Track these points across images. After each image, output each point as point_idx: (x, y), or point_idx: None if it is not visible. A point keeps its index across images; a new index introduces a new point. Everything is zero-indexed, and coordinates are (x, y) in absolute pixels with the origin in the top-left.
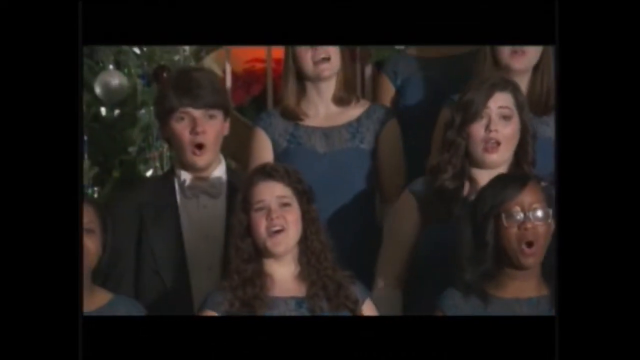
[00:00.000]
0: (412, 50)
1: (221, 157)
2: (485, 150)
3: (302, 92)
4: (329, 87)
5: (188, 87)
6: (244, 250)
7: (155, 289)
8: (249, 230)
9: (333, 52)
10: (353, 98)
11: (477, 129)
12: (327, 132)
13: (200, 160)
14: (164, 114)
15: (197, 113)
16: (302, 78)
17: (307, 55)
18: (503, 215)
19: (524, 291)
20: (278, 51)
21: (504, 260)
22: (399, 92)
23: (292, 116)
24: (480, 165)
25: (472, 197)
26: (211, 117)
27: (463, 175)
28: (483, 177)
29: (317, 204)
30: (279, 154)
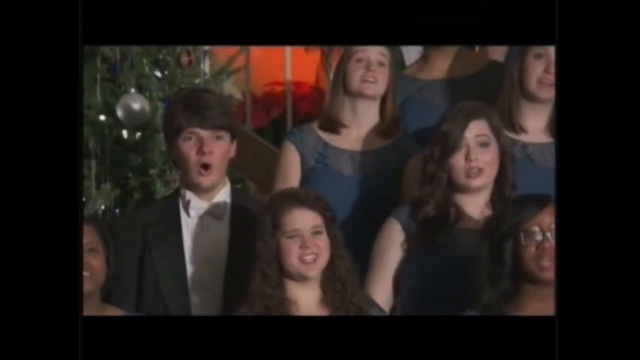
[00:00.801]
0: (411, 71)
1: (226, 179)
2: (468, 176)
3: (343, 107)
4: (367, 111)
5: (196, 108)
6: (270, 276)
7: (156, 308)
8: (277, 255)
9: (382, 78)
10: (394, 132)
11: (457, 160)
12: (354, 156)
13: (206, 180)
14: (172, 134)
15: (204, 133)
16: (345, 93)
17: (358, 72)
18: (522, 235)
19: (542, 312)
20: (297, 74)
21: (521, 277)
22: (398, 113)
23: (332, 127)
24: (465, 190)
25: (459, 225)
26: (218, 137)
27: (447, 204)
28: (468, 202)
29: (338, 226)
30: (305, 172)
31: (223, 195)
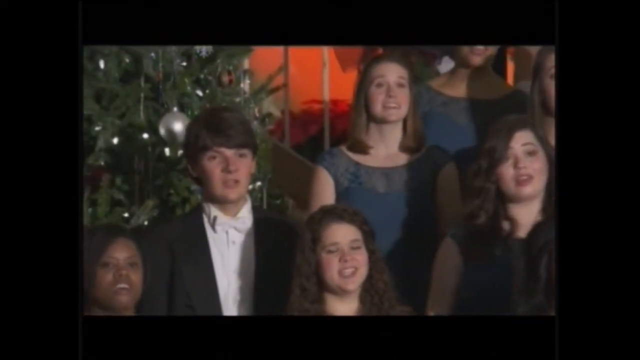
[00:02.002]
0: (436, 84)
1: (247, 196)
2: (518, 184)
3: (367, 129)
4: (392, 131)
5: (219, 127)
6: (309, 291)
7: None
8: (317, 269)
9: (404, 100)
10: (421, 147)
11: (506, 169)
12: (387, 172)
13: (233, 193)
14: (196, 153)
15: (229, 152)
16: (368, 117)
17: (379, 98)
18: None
19: None
20: (335, 92)
21: (554, 293)
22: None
23: (360, 149)
24: (516, 199)
25: (514, 236)
26: (242, 155)
27: (498, 216)
28: (521, 213)
29: (376, 243)
30: (340, 193)
31: (246, 210)
